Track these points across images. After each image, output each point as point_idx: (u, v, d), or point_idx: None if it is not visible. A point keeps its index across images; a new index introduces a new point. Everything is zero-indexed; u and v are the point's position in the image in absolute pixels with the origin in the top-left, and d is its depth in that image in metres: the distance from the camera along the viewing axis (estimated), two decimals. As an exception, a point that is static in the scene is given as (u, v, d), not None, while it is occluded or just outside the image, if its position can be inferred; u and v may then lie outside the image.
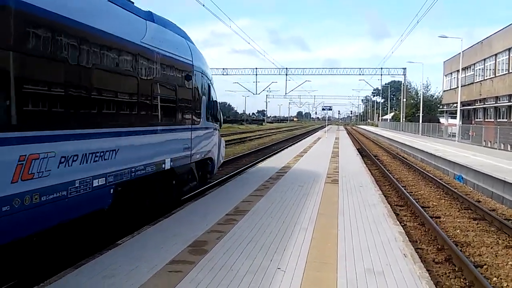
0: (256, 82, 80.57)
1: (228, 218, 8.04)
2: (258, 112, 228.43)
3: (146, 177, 7.54)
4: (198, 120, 9.97)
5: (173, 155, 8.51)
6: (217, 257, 5.82)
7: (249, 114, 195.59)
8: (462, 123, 39.86)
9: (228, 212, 8.53)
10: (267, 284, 4.92)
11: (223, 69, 77.70)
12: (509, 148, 25.29)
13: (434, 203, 12.41)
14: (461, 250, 7.81)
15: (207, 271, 5.28)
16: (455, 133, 36.53)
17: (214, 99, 11.34)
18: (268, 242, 6.51)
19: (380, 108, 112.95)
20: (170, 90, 8.52)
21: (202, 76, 10.24)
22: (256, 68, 78.13)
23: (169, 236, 6.80)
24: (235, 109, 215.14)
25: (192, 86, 9.53)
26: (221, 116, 12.65)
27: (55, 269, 5.86)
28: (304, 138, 43.24)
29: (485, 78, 39.20)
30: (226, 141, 37.93)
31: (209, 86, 10.93)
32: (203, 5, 29.24)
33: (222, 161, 13.58)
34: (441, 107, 59.51)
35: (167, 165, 8.28)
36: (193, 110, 9.62)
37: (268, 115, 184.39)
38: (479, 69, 41.15)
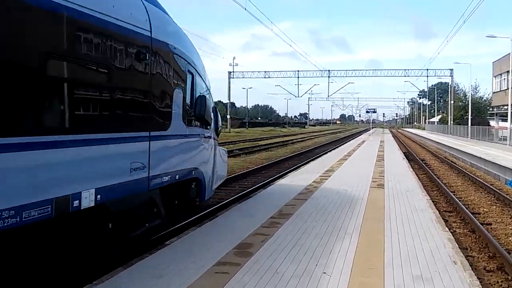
0: (298, 84, 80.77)
1: (272, 221, 8.08)
2: (300, 115, 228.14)
3: (22, 229, 4.05)
4: (166, 123, 6.42)
5: (103, 183, 4.98)
6: (262, 259, 5.87)
7: (291, 117, 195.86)
8: (515, 126, 38.12)
9: (272, 215, 8.56)
10: (312, 288, 4.91)
11: (265, 72, 78.05)
12: None
13: (485, 209, 11.97)
14: (514, 259, 7.50)
15: (253, 274, 5.33)
16: (506, 137, 35.04)
17: (201, 94, 7.81)
18: (313, 246, 6.50)
19: (427, 110, 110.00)
20: (98, 75, 5.06)
21: (174, 58, 6.73)
22: (298, 71, 77.97)
23: (215, 238, 6.91)
24: (277, 112, 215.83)
25: (150, 71, 5.91)
26: (218, 119, 9.25)
27: (106, 268, 6.11)
28: (348, 141, 42.76)
29: (539, 78, 37.37)
30: (267, 144, 38.46)
31: (191, 75, 7.45)
32: (245, 9, 29.68)
33: (221, 181, 10.28)
34: (491, 109, 57.31)
35: (87, 201, 4.73)
36: (153, 108, 6.04)
37: (311, 118, 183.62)
38: (532, 69, 39.30)
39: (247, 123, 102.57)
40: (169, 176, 6.53)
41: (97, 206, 4.93)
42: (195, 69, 7.64)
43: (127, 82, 5.58)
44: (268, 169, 20.73)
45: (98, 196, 4.91)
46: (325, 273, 5.40)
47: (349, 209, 9.22)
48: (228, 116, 79.95)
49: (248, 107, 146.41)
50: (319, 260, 5.86)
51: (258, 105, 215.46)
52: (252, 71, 79.20)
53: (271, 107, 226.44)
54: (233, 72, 78.67)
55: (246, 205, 9.70)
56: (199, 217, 9.85)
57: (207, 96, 8.07)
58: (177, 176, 6.82)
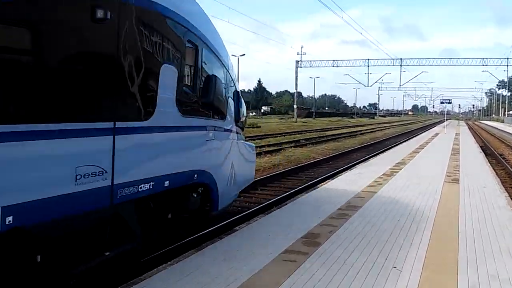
0: (368, 73, 78.40)
1: (340, 212, 8.02)
2: (370, 105, 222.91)
3: None
4: (146, 110, 4.67)
5: (20, 198, 3.38)
6: (330, 250, 5.87)
7: (360, 107, 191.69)
8: None
9: (339, 207, 8.50)
10: (382, 282, 4.85)
11: (333, 60, 76.85)
12: None
13: None
14: None
15: (321, 264, 5.35)
16: None
17: (212, 74, 6.03)
18: (383, 240, 6.39)
19: (507, 102, 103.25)
20: (10, 33, 3.31)
21: (166, 23, 4.98)
22: (368, 59, 76.00)
23: (282, 226, 7.00)
24: (345, 102, 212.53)
25: (117, 35, 4.16)
26: (240, 107, 7.48)
27: (180, 250, 6.42)
28: (420, 133, 41.25)
29: None
30: (335, 135, 38.01)
31: (194, 48, 5.65)
32: (316, -3, 29.39)
33: (246, 185, 8.48)
34: None
35: None
36: (120, 88, 4.28)
37: (380, 108, 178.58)
38: None
39: (314, 113, 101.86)
40: (152, 184, 4.75)
41: (7, 233, 3.37)
42: (203, 41, 5.81)
43: (67, 48, 3.71)
44: (336, 160, 20.53)
45: (9, 219, 3.35)
46: (395, 267, 5.31)
47: (421, 203, 8.94)
48: (295, 106, 79.79)
49: (315, 96, 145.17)
50: (389, 254, 5.76)
51: (325, 94, 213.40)
52: (320, 60, 78.53)
53: (339, 97, 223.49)
54: (300, 61, 78.22)
55: (313, 196, 9.69)
56: (266, 205, 10.02)
57: (220, 77, 6.30)
58: (167, 182, 5.05)
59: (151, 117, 4.68)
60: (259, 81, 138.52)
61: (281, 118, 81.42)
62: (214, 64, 6.31)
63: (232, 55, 73.16)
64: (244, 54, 76.03)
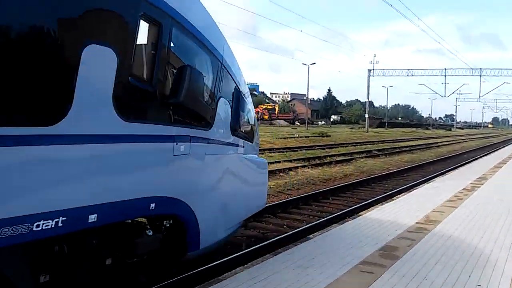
0: (445, 83, 74.88)
1: (419, 226, 7.76)
2: (446, 116, 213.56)
3: None
4: (46, 111, 3.08)
5: None
6: (409, 264, 5.70)
7: (435, 118, 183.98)
8: None
9: (417, 220, 8.23)
10: (466, 300, 4.66)
11: (408, 69, 74.21)
12: None
13: None
14: None
15: (400, 278, 5.21)
16: None
17: (187, 63, 4.42)
18: (465, 256, 6.10)
19: None
20: None
21: None
22: (445, 69, 72.56)
23: (357, 237, 6.91)
24: (420, 112, 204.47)
25: None
26: (239, 109, 5.66)
27: (254, 254, 6.54)
28: (502, 147, 38.93)
29: None
30: (409, 146, 36.78)
31: (154, 22, 3.95)
32: (391, 5, 28.79)
33: (248, 215, 6.57)
34: None
35: None
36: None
37: (458, 120, 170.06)
38: None
39: (386, 123, 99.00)
40: (62, 219, 3.19)
41: None
42: (172, 17, 4.15)
43: None
44: (410, 172, 19.88)
45: None
46: (479, 285, 5.06)
47: (505, 221, 8.42)
48: (367, 115, 78.06)
49: (388, 106, 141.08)
50: (473, 271, 5.49)
51: (398, 104, 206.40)
52: (394, 69, 75.90)
53: (413, 107, 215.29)
54: (373, 69, 76.41)
55: (388, 208, 9.45)
56: (340, 215, 9.92)
57: (203, 69, 4.72)
58: (93, 216, 3.45)
59: (61, 120, 3.14)
60: (329, 90, 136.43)
61: (352, 128, 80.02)
62: (193, 51, 4.71)
63: (303, 63, 73.24)
64: (314, 63, 75.22)
